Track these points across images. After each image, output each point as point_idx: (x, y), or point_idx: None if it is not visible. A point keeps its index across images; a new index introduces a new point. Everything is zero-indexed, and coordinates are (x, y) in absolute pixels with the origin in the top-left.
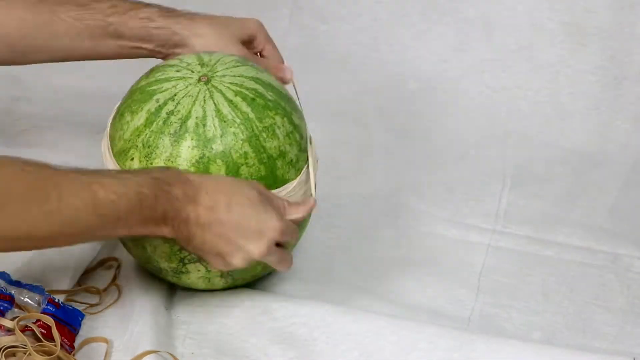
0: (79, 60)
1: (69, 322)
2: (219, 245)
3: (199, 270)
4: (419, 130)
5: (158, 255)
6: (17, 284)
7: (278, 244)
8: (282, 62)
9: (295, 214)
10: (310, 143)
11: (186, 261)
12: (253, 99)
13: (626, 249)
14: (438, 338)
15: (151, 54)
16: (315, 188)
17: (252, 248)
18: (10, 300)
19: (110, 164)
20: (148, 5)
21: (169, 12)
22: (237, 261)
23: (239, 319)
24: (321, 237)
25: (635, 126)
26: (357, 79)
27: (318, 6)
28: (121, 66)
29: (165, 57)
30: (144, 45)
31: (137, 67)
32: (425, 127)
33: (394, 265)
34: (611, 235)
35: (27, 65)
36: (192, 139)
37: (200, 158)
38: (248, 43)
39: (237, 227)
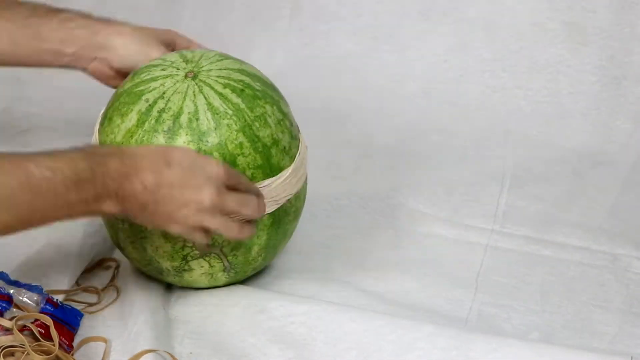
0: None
1: (67, 321)
2: (172, 205)
3: (202, 267)
4: (419, 130)
5: (160, 256)
6: (16, 283)
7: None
8: None
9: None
10: (298, 129)
11: (189, 258)
12: (242, 90)
13: (625, 249)
14: (436, 337)
15: (73, 62)
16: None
17: (203, 196)
18: (9, 300)
19: None
20: (67, 9)
21: (88, 15)
22: (194, 216)
23: (237, 318)
24: (320, 237)
25: (635, 126)
26: (357, 79)
27: (318, 6)
28: None
29: (87, 65)
30: (66, 49)
31: None
32: (424, 127)
33: (393, 266)
34: (610, 236)
35: None
36: (186, 134)
37: (197, 152)
38: (167, 46)
39: (182, 180)
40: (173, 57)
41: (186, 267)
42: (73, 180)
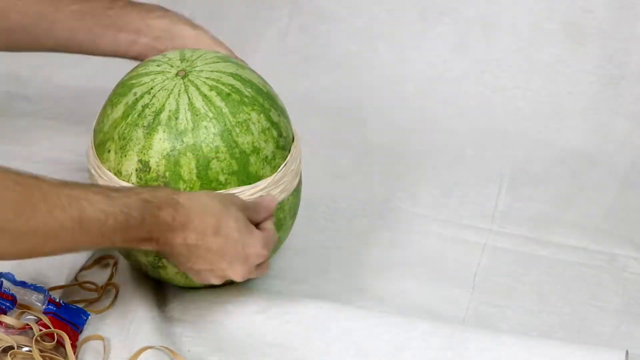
0: (76, 53)
1: (71, 320)
2: (202, 266)
3: (175, 266)
4: (417, 130)
5: (135, 249)
6: (22, 284)
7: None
8: None
9: (267, 222)
10: (293, 140)
11: (162, 255)
12: (228, 94)
13: (622, 249)
14: (431, 336)
15: (146, 50)
16: (300, 178)
17: (233, 272)
18: (13, 300)
19: (91, 156)
20: (146, 3)
21: (168, 10)
22: (215, 280)
23: (234, 317)
24: (317, 238)
25: (633, 126)
26: (355, 79)
27: (317, 6)
28: (121, 66)
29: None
30: (141, 39)
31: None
32: (423, 127)
33: (390, 266)
34: (608, 236)
35: (27, 63)
36: (163, 132)
37: (171, 151)
38: None
39: (223, 252)
40: (173, 54)
41: (160, 264)
42: (122, 226)
